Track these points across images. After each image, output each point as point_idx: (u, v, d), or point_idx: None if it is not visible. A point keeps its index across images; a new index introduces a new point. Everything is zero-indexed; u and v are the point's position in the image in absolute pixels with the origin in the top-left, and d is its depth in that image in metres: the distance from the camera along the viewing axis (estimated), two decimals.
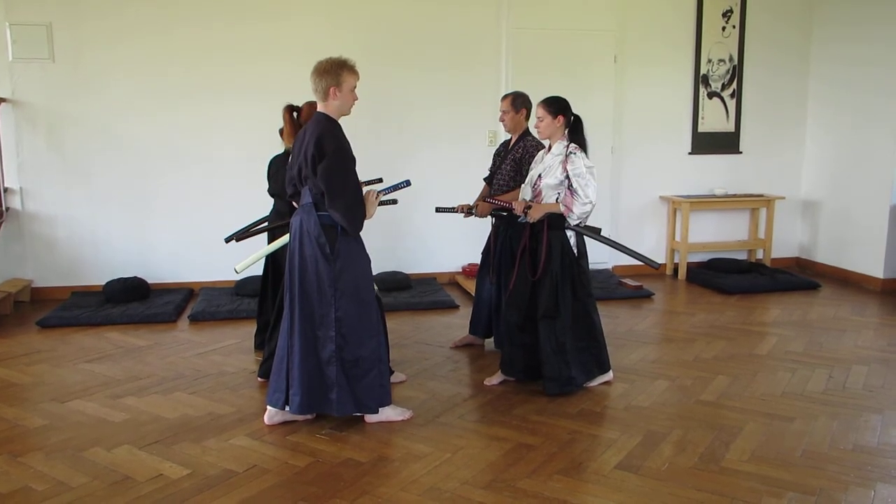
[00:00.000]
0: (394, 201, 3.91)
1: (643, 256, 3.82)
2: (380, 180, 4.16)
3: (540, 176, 3.88)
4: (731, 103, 7.04)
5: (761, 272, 6.68)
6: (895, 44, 6.16)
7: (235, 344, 4.76)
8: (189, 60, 5.93)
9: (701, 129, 7.00)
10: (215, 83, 5.99)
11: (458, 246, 6.47)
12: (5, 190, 5.77)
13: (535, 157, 4.08)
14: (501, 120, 4.41)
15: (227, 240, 4.35)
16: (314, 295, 3.32)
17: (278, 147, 4.52)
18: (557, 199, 3.82)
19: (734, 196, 6.99)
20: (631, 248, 3.93)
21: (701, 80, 6.92)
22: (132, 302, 5.64)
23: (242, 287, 5.88)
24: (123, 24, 5.80)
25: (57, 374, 4.20)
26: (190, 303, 5.78)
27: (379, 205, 3.51)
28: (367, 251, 3.47)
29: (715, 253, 7.06)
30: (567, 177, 3.76)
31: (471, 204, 4.48)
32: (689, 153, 7.02)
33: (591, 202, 3.75)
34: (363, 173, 3.59)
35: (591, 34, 6.62)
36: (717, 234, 7.13)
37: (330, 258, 3.29)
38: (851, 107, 6.67)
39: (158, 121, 5.96)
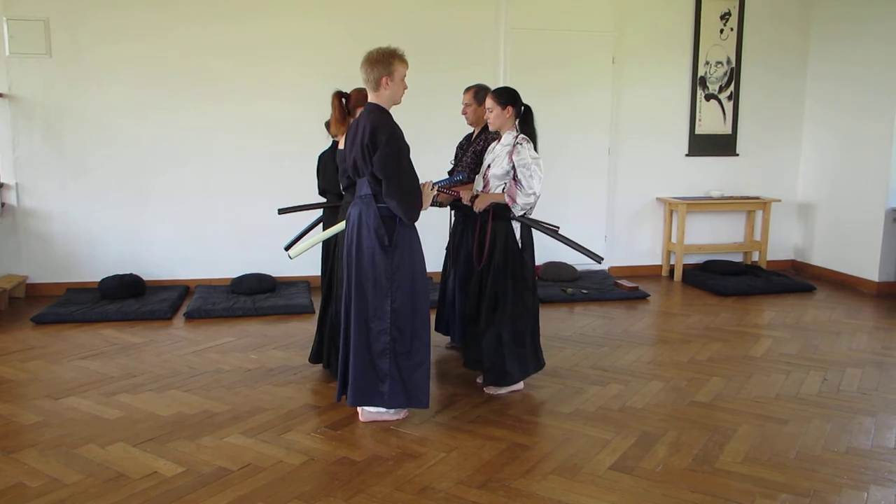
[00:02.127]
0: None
1: (587, 250, 3.83)
2: (463, 176, 4.21)
3: (489, 166, 3.90)
4: (729, 105, 7.05)
5: (757, 274, 6.70)
6: (893, 45, 6.18)
7: (231, 342, 4.76)
8: (187, 58, 5.92)
9: (698, 131, 7.01)
10: (213, 81, 5.98)
11: None
12: (1, 185, 5.75)
13: (488, 148, 4.09)
14: (464, 112, 4.42)
15: (287, 247, 4.14)
16: (369, 286, 3.33)
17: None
18: (504, 189, 3.83)
19: (730, 198, 7.01)
20: (584, 245, 3.90)
21: (699, 82, 6.94)
22: (127, 299, 5.63)
23: (238, 285, 5.87)
24: (121, 21, 5.79)
25: (51, 371, 4.19)
26: (185, 300, 5.77)
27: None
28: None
29: (711, 255, 7.07)
30: (514, 167, 3.77)
31: None
32: (686, 155, 7.03)
33: (534, 193, 3.76)
34: None
35: (590, 35, 6.63)
36: (713, 236, 7.15)
37: (388, 249, 3.31)
38: (848, 111, 6.68)
39: (155, 118, 5.94)
